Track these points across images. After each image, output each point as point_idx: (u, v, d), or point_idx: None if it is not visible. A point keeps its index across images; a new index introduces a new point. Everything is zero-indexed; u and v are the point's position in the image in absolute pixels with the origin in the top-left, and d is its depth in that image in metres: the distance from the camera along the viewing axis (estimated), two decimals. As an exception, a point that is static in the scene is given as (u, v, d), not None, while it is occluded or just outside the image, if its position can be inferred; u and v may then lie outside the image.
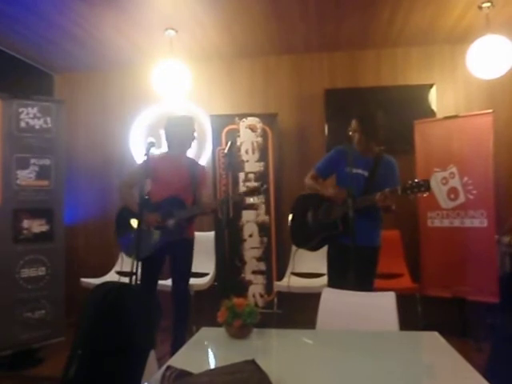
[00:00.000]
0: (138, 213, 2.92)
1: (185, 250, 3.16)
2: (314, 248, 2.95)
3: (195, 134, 3.24)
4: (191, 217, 3.11)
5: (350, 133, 2.80)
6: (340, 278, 2.67)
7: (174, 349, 2.97)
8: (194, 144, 3.40)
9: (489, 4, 3.48)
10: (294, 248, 3.19)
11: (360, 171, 2.76)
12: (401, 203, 4.14)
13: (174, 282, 3.16)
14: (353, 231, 2.52)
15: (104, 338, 1.19)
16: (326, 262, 2.95)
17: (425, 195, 2.52)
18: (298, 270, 4.12)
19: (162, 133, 3.31)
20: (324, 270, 3.07)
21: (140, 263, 2.84)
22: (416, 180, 2.49)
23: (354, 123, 2.80)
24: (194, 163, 3.30)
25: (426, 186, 2.44)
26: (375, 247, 2.82)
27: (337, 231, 2.76)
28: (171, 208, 3.04)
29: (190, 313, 3.17)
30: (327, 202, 2.86)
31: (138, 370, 1.31)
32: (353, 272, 2.53)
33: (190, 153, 3.44)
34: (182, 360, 1.51)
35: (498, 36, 3.56)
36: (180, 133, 3.16)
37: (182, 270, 3.17)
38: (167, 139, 3.21)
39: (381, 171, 2.76)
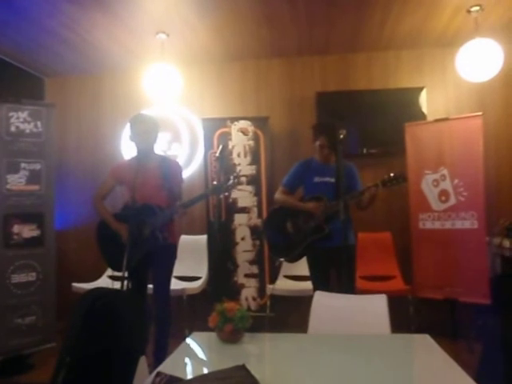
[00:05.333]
0: (113, 226, 3.09)
1: (165, 256, 3.07)
2: (297, 258, 3.11)
3: (158, 130, 3.12)
4: (165, 222, 3.00)
5: (318, 145, 3.09)
6: (324, 280, 2.96)
7: (157, 358, 2.92)
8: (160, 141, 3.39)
9: (477, 8, 3.52)
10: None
11: (327, 179, 3.03)
12: (392, 205, 4.22)
13: (154, 289, 3.09)
14: (344, 231, 2.69)
15: (92, 345, 1.18)
16: (309, 268, 3.12)
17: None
18: (289, 273, 4.13)
19: (128, 136, 3.22)
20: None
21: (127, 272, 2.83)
22: (392, 174, 2.80)
23: (322, 139, 3.07)
24: (164, 159, 3.19)
25: (402, 177, 2.79)
26: (353, 245, 3.08)
27: (323, 234, 2.95)
28: (143, 217, 2.95)
29: (170, 320, 3.10)
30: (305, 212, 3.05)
31: (128, 377, 1.31)
32: (337, 271, 2.85)
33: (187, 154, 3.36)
34: (172, 365, 1.50)
35: (487, 39, 3.60)
36: (143, 129, 3.04)
37: (161, 278, 3.09)
38: (133, 139, 3.09)
39: (345, 176, 2.99)
